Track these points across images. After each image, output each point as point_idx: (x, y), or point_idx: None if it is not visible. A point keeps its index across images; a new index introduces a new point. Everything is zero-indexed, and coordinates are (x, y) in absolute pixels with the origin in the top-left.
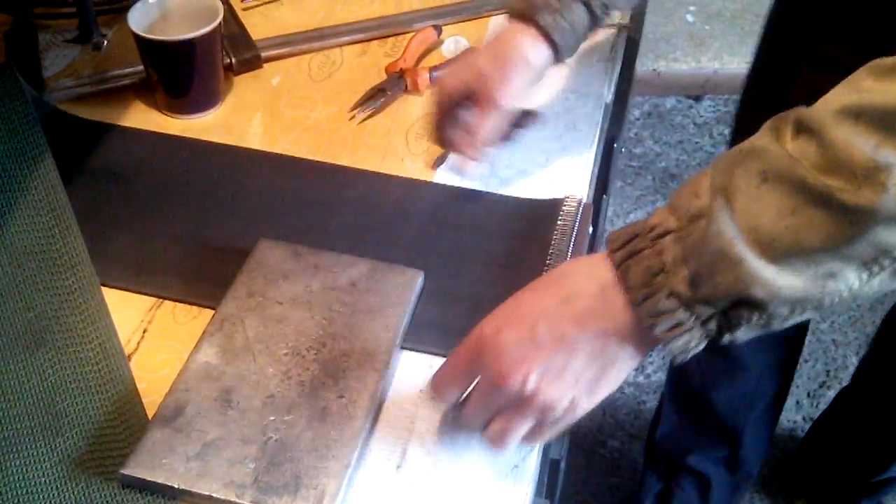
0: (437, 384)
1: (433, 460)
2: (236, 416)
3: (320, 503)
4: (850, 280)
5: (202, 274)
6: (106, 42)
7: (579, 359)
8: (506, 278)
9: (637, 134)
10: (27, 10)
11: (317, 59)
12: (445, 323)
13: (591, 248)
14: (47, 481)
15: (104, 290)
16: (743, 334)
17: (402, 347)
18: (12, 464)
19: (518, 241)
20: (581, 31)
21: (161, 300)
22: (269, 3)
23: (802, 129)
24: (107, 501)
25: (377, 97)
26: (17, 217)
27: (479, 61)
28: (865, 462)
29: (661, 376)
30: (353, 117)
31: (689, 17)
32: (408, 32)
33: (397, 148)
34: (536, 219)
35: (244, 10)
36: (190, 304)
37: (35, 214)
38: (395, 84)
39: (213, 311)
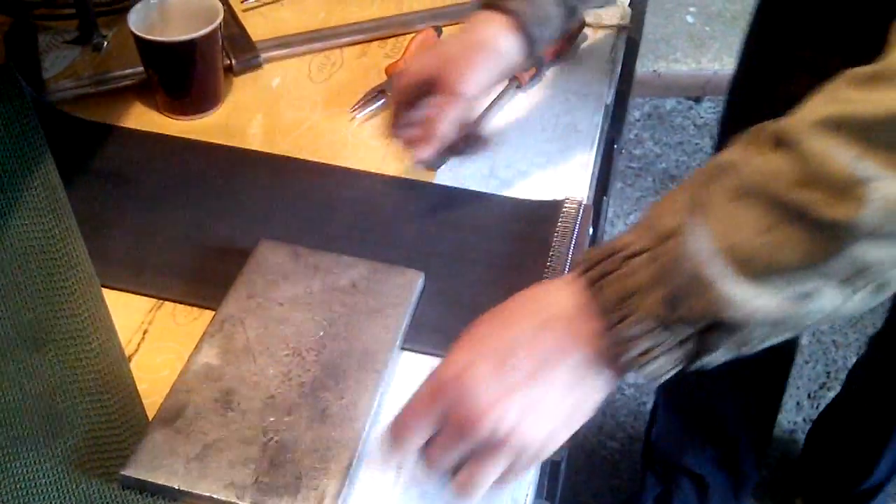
0: (399, 429)
1: None
2: (237, 417)
3: None
4: (831, 299)
5: (202, 275)
6: (106, 43)
7: (555, 392)
8: (506, 279)
9: (637, 135)
10: (27, 11)
11: (317, 60)
12: (446, 324)
13: None
14: (47, 482)
15: (104, 290)
16: (721, 356)
17: (403, 348)
18: (13, 465)
19: (518, 242)
20: (556, 23)
21: (161, 301)
22: (269, 3)
23: (779, 141)
24: (107, 502)
25: (377, 98)
26: (18, 218)
27: (443, 49)
28: (857, 467)
29: None
30: (353, 118)
31: (690, 19)
32: (408, 33)
33: (397, 149)
34: (537, 220)
35: (244, 10)
36: (190, 305)
37: (35, 215)
38: None
39: (213, 312)
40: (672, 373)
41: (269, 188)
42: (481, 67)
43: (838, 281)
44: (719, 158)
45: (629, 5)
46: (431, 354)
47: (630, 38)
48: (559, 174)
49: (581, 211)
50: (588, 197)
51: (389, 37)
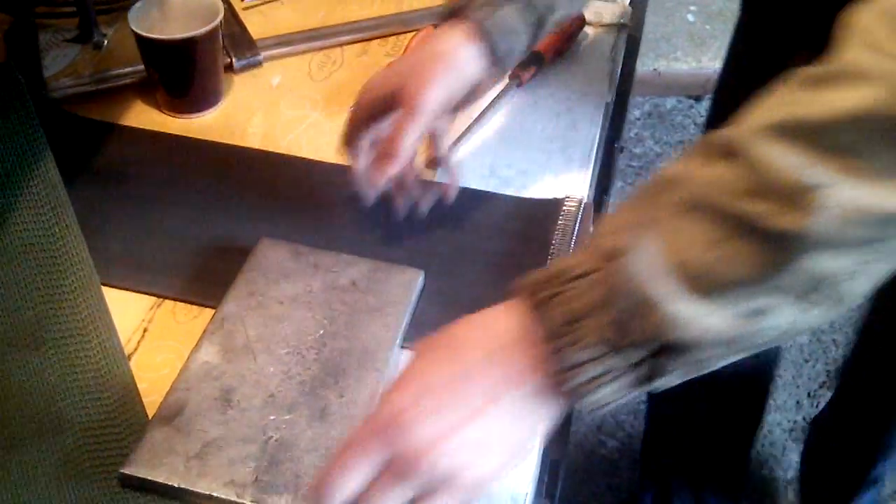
0: (331, 478)
1: None
2: (236, 415)
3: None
4: (786, 315)
5: (202, 273)
6: (106, 41)
7: (500, 427)
8: (506, 278)
9: (637, 134)
10: (27, 10)
11: (317, 59)
12: (446, 323)
13: None
14: (47, 480)
15: (104, 288)
16: (675, 378)
17: (403, 347)
18: (12, 463)
19: (519, 240)
20: (522, 35)
21: (161, 299)
22: (269, 2)
23: (727, 151)
24: (107, 501)
25: None
26: (18, 216)
27: (402, 63)
28: (848, 468)
29: None
30: None
31: (690, 17)
32: (408, 32)
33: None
34: (537, 219)
35: (244, 9)
36: (190, 303)
37: (35, 213)
38: None
39: (213, 311)
40: (625, 398)
41: (269, 186)
42: (440, 80)
43: (793, 295)
44: (665, 172)
45: (629, 4)
46: None
47: (630, 36)
48: (559, 173)
49: (582, 209)
50: (588, 195)
51: (390, 35)
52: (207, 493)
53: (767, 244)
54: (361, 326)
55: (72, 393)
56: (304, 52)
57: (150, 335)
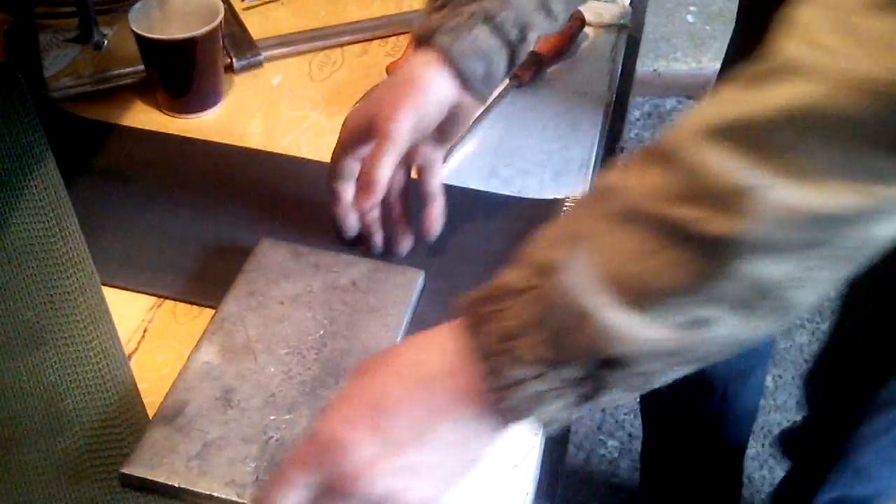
0: (273, 494)
1: None
2: (237, 415)
3: None
4: (727, 325)
5: (203, 273)
6: (106, 41)
7: (437, 451)
8: None
9: (637, 134)
10: (27, 10)
11: (317, 59)
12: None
13: None
14: (47, 481)
15: (104, 289)
16: (621, 394)
17: None
18: (12, 463)
19: (519, 241)
20: (496, 53)
21: (161, 300)
22: (269, 2)
23: (662, 156)
24: (107, 501)
25: None
26: (18, 216)
27: (376, 92)
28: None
29: None
30: None
31: (690, 18)
32: (409, 32)
33: None
34: (537, 219)
35: (244, 9)
36: (190, 303)
37: (36, 214)
38: None
39: (213, 311)
40: (572, 416)
41: (269, 187)
42: (409, 107)
43: (732, 304)
44: (600, 182)
45: (629, 4)
46: None
47: (630, 37)
48: (559, 173)
49: None
50: None
51: (390, 35)
52: (208, 492)
53: (702, 251)
54: (362, 326)
55: (72, 393)
56: (304, 52)
57: (151, 335)
